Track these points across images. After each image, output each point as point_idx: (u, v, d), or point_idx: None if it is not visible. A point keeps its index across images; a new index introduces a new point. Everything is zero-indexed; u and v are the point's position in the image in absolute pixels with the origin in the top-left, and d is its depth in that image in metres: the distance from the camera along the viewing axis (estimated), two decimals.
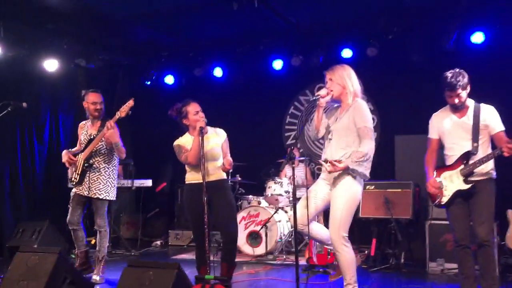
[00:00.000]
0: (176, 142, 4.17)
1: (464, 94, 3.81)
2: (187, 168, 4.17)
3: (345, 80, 3.61)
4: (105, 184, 4.78)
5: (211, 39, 7.56)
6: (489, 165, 3.67)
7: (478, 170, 3.63)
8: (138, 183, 7.10)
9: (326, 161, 3.46)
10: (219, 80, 7.98)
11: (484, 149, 3.68)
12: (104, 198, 4.76)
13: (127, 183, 6.94)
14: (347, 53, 6.99)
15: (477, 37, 6.25)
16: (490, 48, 6.31)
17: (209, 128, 4.07)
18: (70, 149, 4.94)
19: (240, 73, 7.88)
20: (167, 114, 4.21)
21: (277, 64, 7.48)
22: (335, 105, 3.73)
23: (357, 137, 3.48)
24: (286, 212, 6.33)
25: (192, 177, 4.12)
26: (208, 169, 3.94)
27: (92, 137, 4.77)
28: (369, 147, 3.44)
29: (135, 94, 5.05)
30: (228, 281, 3.64)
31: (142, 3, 6.02)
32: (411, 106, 6.77)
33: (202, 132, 3.90)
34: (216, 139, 4.12)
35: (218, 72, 7.86)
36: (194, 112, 4.07)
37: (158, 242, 7.63)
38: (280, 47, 7.39)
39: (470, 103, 3.81)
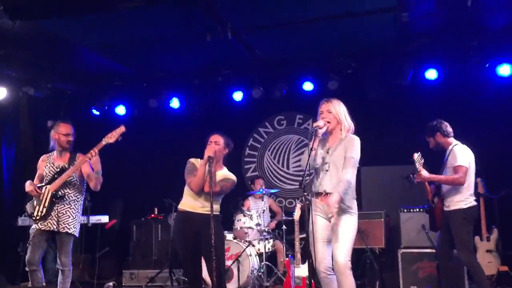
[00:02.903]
0: (192, 160, 4.30)
1: (432, 141, 4.98)
2: (186, 192, 4.29)
3: (342, 115, 3.95)
4: (74, 218, 4.74)
5: (168, 70, 7.81)
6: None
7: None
8: (94, 219, 7.07)
9: (322, 193, 3.79)
10: (175, 111, 8.15)
11: None
12: (72, 233, 4.72)
13: (82, 219, 6.87)
14: (308, 86, 7.49)
15: (431, 74, 6.96)
16: (443, 84, 7.06)
17: (224, 169, 4.25)
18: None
19: (199, 104, 8.10)
20: (181, 141, 4.36)
21: (237, 96, 7.81)
22: (320, 137, 4.00)
23: None
24: (253, 246, 6.58)
25: (189, 203, 4.25)
26: (207, 201, 4.12)
27: (61, 168, 4.79)
28: (351, 175, 3.77)
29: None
30: None
31: (99, 32, 6.14)
32: (373, 138, 7.34)
33: (210, 162, 4.08)
34: (222, 182, 4.25)
35: (175, 103, 8.02)
36: (211, 141, 4.29)
37: (111, 284, 7.53)
38: (241, 78, 7.76)
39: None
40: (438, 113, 7.11)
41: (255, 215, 6.52)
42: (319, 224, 3.84)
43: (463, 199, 4.81)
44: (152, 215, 7.84)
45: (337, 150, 3.88)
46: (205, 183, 4.14)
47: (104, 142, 4.62)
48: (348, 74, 7.38)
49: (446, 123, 5.04)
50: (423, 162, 4.81)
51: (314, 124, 3.86)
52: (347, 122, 3.95)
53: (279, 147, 8.37)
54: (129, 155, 8.28)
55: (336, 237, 3.77)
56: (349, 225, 3.80)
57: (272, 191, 6.40)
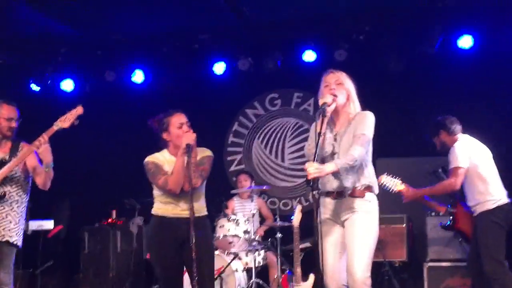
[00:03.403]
0: (150, 158, 4.26)
1: (437, 141, 5.35)
2: (159, 196, 4.28)
3: (352, 90, 3.95)
4: (16, 224, 4.69)
5: (129, 34, 7.74)
6: None
7: None
8: (34, 225, 6.99)
9: (332, 192, 3.77)
10: (139, 87, 8.11)
11: None
12: (15, 242, 4.69)
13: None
14: (310, 56, 7.47)
15: (465, 41, 7.00)
16: (480, 55, 7.09)
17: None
18: None
19: (169, 79, 8.06)
20: (147, 125, 4.35)
21: (219, 68, 7.77)
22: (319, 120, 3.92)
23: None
24: (240, 259, 6.53)
25: (166, 208, 4.24)
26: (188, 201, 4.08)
27: (0, 160, 4.72)
28: (359, 153, 3.73)
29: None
30: None
31: None
32: (391, 122, 7.34)
33: (189, 151, 4.04)
34: (199, 168, 4.24)
35: (138, 76, 7.99)
36: (177, 124, 4.21)
37: None
38: (224, 46, 7.72)
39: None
40: (473, 92, 7.27)
41: (242, 220, 6.49)
42: (330, 230, 3.84)
43: (488, 198, 4.99)
44: (109, 220, 7.75)
45: (347, 134, 3.88)
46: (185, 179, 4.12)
47: (55, 127, 4.57)
48: (360, 41, 7.37)
49: (453, 119, 5.33)
50: (399, 179, 5.19)
51: (321, 101, 3.83)
52: (357, 101, 3.97)
53: (271, 133, 8.32)
54: (79, 144, 8.19)
55: (352, 246, 3.77)
56: (368, 229, 3.80)
57: (264, 188, 6.40)
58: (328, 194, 3.88)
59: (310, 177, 3.56)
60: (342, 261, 3.86)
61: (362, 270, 3.71)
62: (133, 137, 8.23)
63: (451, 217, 5.38)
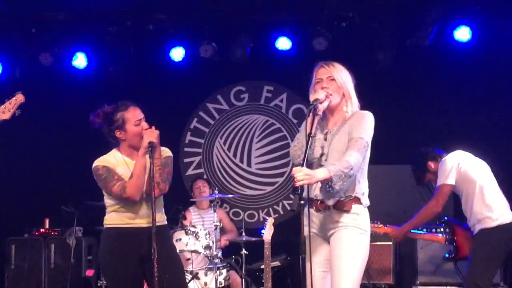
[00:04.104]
0: (100, 162, 4.22)
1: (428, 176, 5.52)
2: (113, 205, 4.24)
3: (348, 85, 3.94)
4: None
5: (70, 9, 7.59)
6: None
7: None
8: None
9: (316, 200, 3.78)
10: (81, 73, 8.00)
11: None
12: None
13: None
14: (284, 43, 7.48)
15: (462, 33, 7.12)
16: (478, 48, 7.24)
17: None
18: None
19: (117, 64, 8.00)
20: (89, 121, 4.27)
21: (177, 54, 7.71)
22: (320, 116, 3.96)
23: None
24: (198, 278, 6.48)
25: (122, 218, 4.21)
26: (149, 209, 4.07)
27: None
28: (355, 160, 3.71)
29: None
30: None
31: None
32: (377, 124, 7.42)
33: (153, 151, 4.01)
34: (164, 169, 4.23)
35: (80, 60, 7.87)
36: (135, 121, 4.18)
37: None
38: (184, 28, 7.65)
39: None
40: (470, 89, 7.42)
41: (202, 233, 6.46)
42: (314, 247, 3.83)
43: (487, 215, 5.07)
44: (42, 230, 7.68)
45: (340, 134, 3.88)
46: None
47: None
48: (343, 28, 7.44)
49: (429, 148, 5.58)
50: (379, 223, 5.49)
51: (312, 97, 3.84)
52: (354, 98, 3.97)
53: (236, 132, 8.34)
54: (5, 139, 8.04)
55: (338, 265, 3.76)
56: (356, 246, 3.80)
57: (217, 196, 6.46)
58: (312, 203, 3.89)
59: (298, 184, 3.53)
60: (326, 282, 3.86)
61: None
62: (72, 133, 8.12)
63: (452, 248, 5.48)
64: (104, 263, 4.33)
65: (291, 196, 3.66)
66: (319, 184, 3.83)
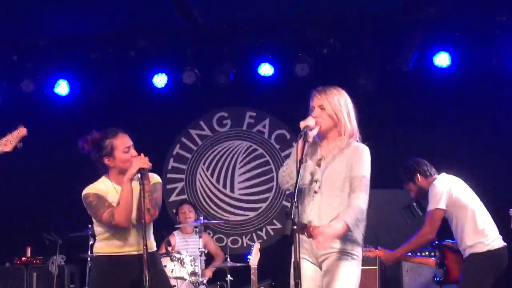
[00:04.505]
0: (90, 190, 4.17)
1: (412, 187, 5.53)
2: (103, 233, 4.18)
3: (342, 112, 3.92)
4: None
5: (52, 35, 7.63)
6: None
7: None
8: None
9: (308, 227, 3.74)
10: (63, 100, 8.00)
11: None
12: None
13: None
14: (266, 69, 7.55)
15: (442, 59, 7.25)
16: (456, 72, 7.36)
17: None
18: None
19: (99, 91, 7.97)
20: (73, 146, 4.25)
21: (159, 80, 7.74)
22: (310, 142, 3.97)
23: (347, 192, 3.80)
24: None
25: (113, 246, 4.16)
26: (141, 236, 4.02)
27: None
28: (365, 202, 3.79)
29: None
30: None
31: None
32: None
33: (143, 177, 3.99)
34: (156, 187, 4.23)
35: (62, 87, 7.88)
36: (124, 148, 4.15)
37: None
38: (166, 54, 7.70)
39: None
40: (450, 114, 7.49)
41: (187, 259, 6.42)
42: (306, 273, 3.81)
43: (479, 240, 5.07)
44: (23, 259, 7.57)
45: (335, 162, 3.88)
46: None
47: None
48: (324, 54, 7.52)
49: (425, 161, 5.53)
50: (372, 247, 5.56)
51: (302, 123, 3.84)
52: (350, 124, 3.96)
53: (219, 158, 8.34)
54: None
55: None
56: (350, 275, 3.80)
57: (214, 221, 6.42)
58: (302, 228, 3.87)
59: (319, 247, 3.70)
60: None
61: None
62: (54, 161, 8.07)
63: (442, 272, 5.47)
64: None
65: (284, 219, 3.62)
66: (315, 209, 3.84)
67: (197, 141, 8.35)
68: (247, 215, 8.11)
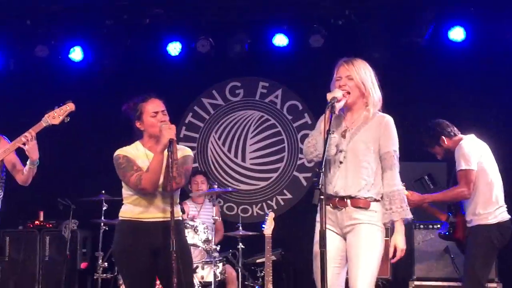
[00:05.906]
0: (121, 152, 4.20)
1: (438, 150, 5.47)
2: (129, 196, 4.22)
3: (368, 83, 3.94)
4: None
5: (68, 2, 7.56)
6: None
7: None
8: None
9: (334, 197, 3.82)
10: (77, 66, 7.98)
11: None
12: None
13: None
14: (280, 40, 7.52)
15: (457, 33, 7.23)
16: (471, 48, 7.33)
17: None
18: None
19: (113, 58, 7.93)
20: (121, 110, 4.29)
21: (173, 48, 7.72)
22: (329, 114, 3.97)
23: (374, 164, 3.86)
24: (196, 272, 6.34)
25: (138, 211, 4.18)
26: (167, 203, 4.06)
27: None
28: (399, 179, 3.87)
29: None
30: None
31: None
32: None
33: (171, 147, 4.00)
34: (183, 166, 4.22)
35: (76, 53, 7.87)
36: (152, 112, 4.16)
37: None
38: (181, 23, 7.67)
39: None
40: (465, 89, 7.46)
41: (201, 227, 6.45)
42: (331, 242, 3.82)
43: (489, 210, 5.09)
44: (36, 222, 7.64)
45: (360, 134, 3.90)
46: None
47: (44, 123, 4.83)
48: (339, 26, 7.48)
49: (446, 122, 5.47)
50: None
51: (330, 95, 3.83)
52: (376, 95, 3.97)
53: (231, 128, 8.32)
54: (2, 131, 7.98)
55: (356, 261, 3.80)
56: (373, 243, 3.83)
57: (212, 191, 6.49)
58: (328, 199, 3.87)
59: (396, 259, 3.94)
60: (341, 277, 3.89)
61: (367, 285, 3.76)
62: (69, 126, 8.05)
63: (450, 226, 5.46)
64: (118, 254, 4.30)
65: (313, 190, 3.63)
66: (341, 180, 3.87)
67: (209, 110, 8.34)
68: (258, 185, 8.12)
